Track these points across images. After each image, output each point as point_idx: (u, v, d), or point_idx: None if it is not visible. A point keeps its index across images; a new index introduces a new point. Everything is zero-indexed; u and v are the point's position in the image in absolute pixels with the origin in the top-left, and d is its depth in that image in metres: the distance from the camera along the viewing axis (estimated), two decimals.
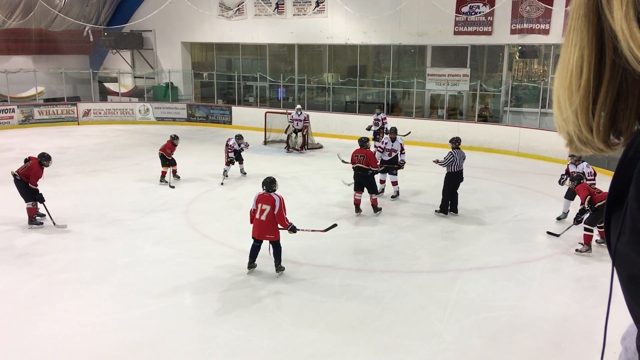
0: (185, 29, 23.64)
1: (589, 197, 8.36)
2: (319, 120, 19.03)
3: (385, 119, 15.71)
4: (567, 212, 10.19)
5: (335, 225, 8.29)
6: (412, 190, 12.28)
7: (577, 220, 8.63)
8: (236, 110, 21.62)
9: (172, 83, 23.63)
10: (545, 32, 16.71)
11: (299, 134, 16.58)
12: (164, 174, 12.63)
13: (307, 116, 16.67)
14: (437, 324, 6.37)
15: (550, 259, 8.48)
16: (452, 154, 10.51)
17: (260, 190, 7.50)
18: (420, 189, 12.33)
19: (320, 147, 17.39)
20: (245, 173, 13.35)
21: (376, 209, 10.39)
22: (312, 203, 11.25)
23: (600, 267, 8.11)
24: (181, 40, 24.02)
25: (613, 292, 0.80)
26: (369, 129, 15.93)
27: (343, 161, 11.29)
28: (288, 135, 16.57)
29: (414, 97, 19.44)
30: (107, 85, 24.43)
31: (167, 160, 12.64)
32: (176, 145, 12.81)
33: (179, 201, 11.12)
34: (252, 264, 7.65)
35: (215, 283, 7.41)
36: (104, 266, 7.85)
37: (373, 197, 10.35)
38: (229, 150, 12.83)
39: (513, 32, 17.33)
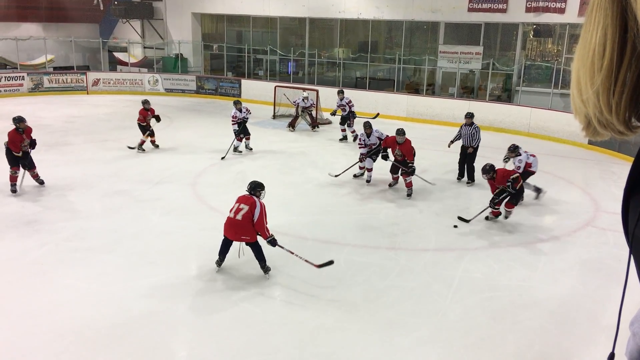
0: (195, 0, 23.45)
1: (514, 177, 8.71)
2: (328, 96, 18.89)
3: (350, 102, 14.95)
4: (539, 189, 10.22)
5: (331, 262, 6.87)
6: (420, 168, 12.21)
7: (494, 203, 8.87)
8: (246, 83, 21.51)
9: (181, 54, 23.51)
10: (561, 11, 16.43)
11: (306, 114, 16.42)
12: (142, 142, 12.76)
13: (313, 103, 16.43)
14: (442, 302, 6.40)
15: (556, 241, 8.46)
16: (459, 128, 11.51)
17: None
18: (427, 167, 12.26)
19: (329, 122, 17.32)
20: (251, 148, 13.28)
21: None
22: (320, 179, 11.24)
23: (606, 250, 8.09)
24: (192, 11, 23.81)
25: (623, 277, 0.79)
26: (333, 114, 15.72)
27: (335, 175, 11.05)
28: (296, 116, 16.38)
29: (425, 75, 19.26)
30: (116, 54, 24.34)
31: (144, 127, 12.66)
32: (148, 110, 12.70)
33: (187, 173, 11.14)
34: (221, 261, 6.92)
35: None
36: (111, 236, 7.91)
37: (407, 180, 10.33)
38: (234, 123, 12.76)
39: (528, 10, 17.04)
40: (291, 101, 16.94)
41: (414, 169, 10.29)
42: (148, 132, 12.75)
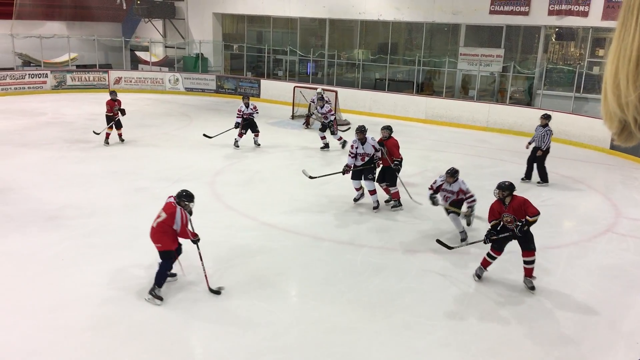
0: (217, 0, 23.60)
1: (534, 217, 6.53)
2: (347, 97, 18.90)
3: (330, 111, 13.78)
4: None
5: (220, 291, 6.39)
6: (438, 171, 12.14)
7: (489, 239, 6.74)
8: (265, 83, 21.59)
9: (202, 54, 23.67)
10: (584, 14, 16.23)
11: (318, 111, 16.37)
12: (108, 135, 13.05)
13: (331, 109, 16.35)
14: (458, 305, 6.36)
15: (575, 246, 8.35)
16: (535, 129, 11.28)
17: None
18: (445, 170, 12.18)
19: (348, 124, 17.29)
20: (259, 144, 13.39)
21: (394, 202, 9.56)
22: (337, 179, 11.22)
23: (627, 256, 7.98)
24: (213, 11, 23.97)
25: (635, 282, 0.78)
26: (306, 123, 15.91)
27: (310, 177, 9.98)
28: (308, 115, 16.45)
29: (445, 77, 19.16)
30: (138, 53, 24.58)
31: (110, 118, 12.94)
32: (116, 100, 12.94)
33: (205, 172, 11.21)
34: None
35: (237, 254, 7.50)
36: (131, 232, 7.98)
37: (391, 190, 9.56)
38: (238, 117, 12.98)
39: (551, 13, 16.86)
40: (307, 99, 17.02)
41: (399, 167, 9.31)
42: (112, 124, 12.99)
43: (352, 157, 9.23)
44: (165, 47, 25.31)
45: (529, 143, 11.37)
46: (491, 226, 6.73)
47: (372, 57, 21.14)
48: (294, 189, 10.50)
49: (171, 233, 6.20)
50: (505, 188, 6.59)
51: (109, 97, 13.06)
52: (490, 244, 6.77)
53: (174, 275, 6.61)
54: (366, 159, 9.22)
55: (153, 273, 6.75)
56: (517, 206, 6.55)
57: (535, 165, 11.20)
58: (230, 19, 24.87)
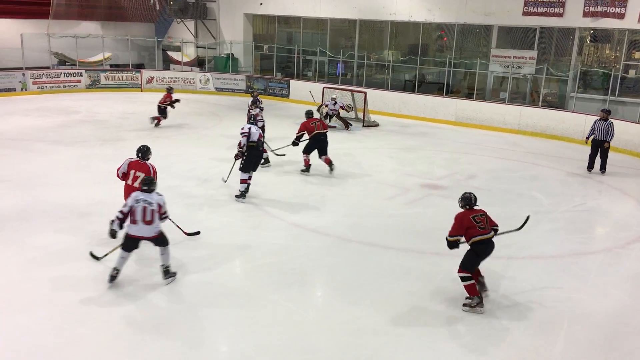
0: (248, 1, 23.76)
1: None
2: (376, 98, 18.85)
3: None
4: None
5: (198, 232, 7.95)
6: (467, 173, 12.04)
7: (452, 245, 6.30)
8: (294, 84, 21.66)
9: (232, 54, 23.86)
10: (620, 16, 15.88)
11: (335, 117, 16.44)
12: (159, 119, 15.35)
13: (342, 105, 16.44)
14: (486, 310, 6.27)
15: (608, 253, 8.17)
16: (593, 123, 12.44)
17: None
18: (475, 173, 12.07)
19: (377, 125, 17.26)
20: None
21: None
22: (365, 180, 11.21)
23: None
24: (244, 11, 24.16)
25: None
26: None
27: (277, 154, 11.82)
28: (322, 117, 16.50)
29: (476, 79, 18.95)
30: (170, 53, 24.91)
31: (163, 110, 15.17)
32: (171, 94, 15.40)
33: (234, 171, 11.28)
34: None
35: (264, 253, 7.53)
36: None
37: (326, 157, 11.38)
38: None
39: (586, 14, 16.55)
40: (315, 99, 17.16)
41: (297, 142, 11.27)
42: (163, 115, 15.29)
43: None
44: (197, 47, 25.61)
45: (587, 138, 12.52)
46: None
47: (402, 58, 21.03)
48: (321, 190, 10.51)
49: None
50: (465, 199, 6.32)
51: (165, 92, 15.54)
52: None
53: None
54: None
55: (181, 269, 6.84)
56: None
57: (598, 155, 12.40)
58: (261, 19, 25.04)
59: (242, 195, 9.59)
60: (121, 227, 6.40)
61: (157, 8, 24.30)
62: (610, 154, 14.52)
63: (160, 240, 6.55)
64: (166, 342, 5.41)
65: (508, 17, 17.98)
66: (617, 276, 7.41)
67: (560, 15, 16.98)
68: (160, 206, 6.48)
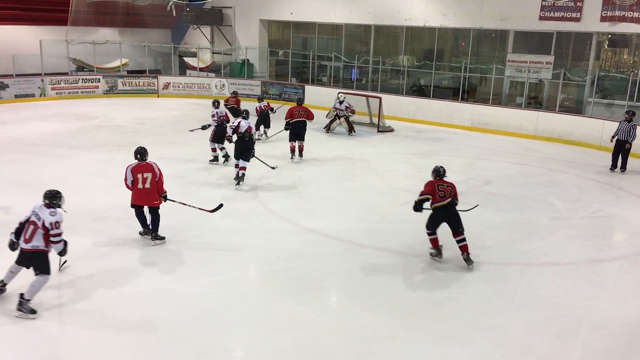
0: (263, 7, 23.88)
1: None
2: (391, 103, 18.82)
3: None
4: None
5: (221, 205, 8.53)
6: (483, 179, 11.96)
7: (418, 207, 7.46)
8: (309, 89, 21.70)
9: (248, 60, 23.99)
10: (638, 20, 15.71)
11: (342, 119, 16.41)
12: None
13: (348, 106, 16.40)
14: (502, 317, 6.22)
15: (627, 260, 8.06)
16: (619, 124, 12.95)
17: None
18: (491, 179, 11.99)
19: (392, 130, 17.23)
20: (268, 137, 15.07)
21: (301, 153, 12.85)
22: (380, 185, 11.18)
23: None
24: (259, 17, 24.28)
25: None
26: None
27: (270, 166, 11.82)
28: (330, 120, 16.54)
29: (492, 84, 18.84)
30: (186, 59, 25.11)
31: (237, 111, 14.83)
32: (236, 97, 16.13)
33: (249, 176, 11.31)
34: (145, 231, 7.91)
35: (279, 258, 7.54)
36: (177, 235, 8.13)
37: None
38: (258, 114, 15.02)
39: (603, 19, 16.39)
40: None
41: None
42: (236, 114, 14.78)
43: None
44: (213, 53, 25.79)
45: (613, 137, 12.92)
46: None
47: (417, 64, 20.98)
48: (336, 195, 10.50)
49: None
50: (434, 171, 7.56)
51: (231, 95, 16.32)
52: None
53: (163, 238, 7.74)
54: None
55: (196, 274, 6.87)
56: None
57: (620, 155, 12.83)
58: (276, 25, 25.14)
59: (237, 179, 10.66)
60: (17, 237, 5.88)
61: (174, 15, 24.47)
62: (630, 159, 14.36)
63: (37, 263, 5.72)
64: (180, 346, 5.43)
65: (524, 22, 17.86)
66: (635, 283, 7.30)
67: (577, 20, 16.84)
68: (45, 226, 5.76)
